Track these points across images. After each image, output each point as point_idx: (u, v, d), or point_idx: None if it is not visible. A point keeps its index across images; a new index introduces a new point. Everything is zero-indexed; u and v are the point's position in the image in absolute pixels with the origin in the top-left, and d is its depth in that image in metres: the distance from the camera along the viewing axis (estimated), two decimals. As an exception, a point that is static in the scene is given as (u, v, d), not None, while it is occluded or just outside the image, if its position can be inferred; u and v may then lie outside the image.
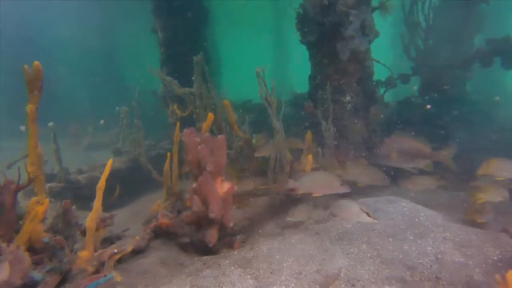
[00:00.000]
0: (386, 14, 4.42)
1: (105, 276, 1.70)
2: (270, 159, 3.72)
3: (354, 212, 2.61)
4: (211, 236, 2.67)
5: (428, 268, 2.30)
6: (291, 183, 3.04)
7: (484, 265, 2.23)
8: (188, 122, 4.83)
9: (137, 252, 2.57)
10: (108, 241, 2.66)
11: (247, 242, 2.98)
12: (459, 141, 5.15)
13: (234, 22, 22.68)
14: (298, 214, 3.04)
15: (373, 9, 4.62)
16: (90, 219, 2.21)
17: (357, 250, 2.63)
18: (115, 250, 2.28)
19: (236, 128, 4.50)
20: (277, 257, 2.63)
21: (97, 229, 2.35)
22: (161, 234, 2.92)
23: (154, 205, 3.24)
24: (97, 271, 2.08)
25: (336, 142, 4.55)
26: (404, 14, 5.67)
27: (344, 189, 2.89)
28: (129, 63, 16.16)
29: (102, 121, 8.72)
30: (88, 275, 1.93)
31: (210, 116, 3.71)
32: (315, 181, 3.03)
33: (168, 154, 3.49)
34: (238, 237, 3.02)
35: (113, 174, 4.93)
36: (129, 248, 2.43)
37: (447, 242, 2.49)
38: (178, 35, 6.19)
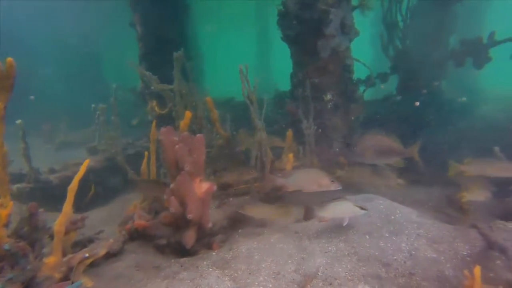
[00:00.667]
0: (365, 11, 4.46)
1: (72, 283, 1.61)
2: (251, 158, 3.69)
3: (347, 210, 2.65)
4: (189, 237, 2.61)
5: (402, 264, 2.35)
6: (280, 181, 3.00)
7: (454, 260, 2.30)
8: (168, 120, 4.72)
9: (111, 255, 2.48)
10: (79, 244, 2.55)
11: (226, 243, 2.94)
12: (434, 139, 5.35)
13: (217, 18, 22.43)
14: (249, 209, 2.98)
15: (353, 8, 4.66)
16: (58, 222, 2.11)
17: (335, 248, 2.65)
18: (86, 255, 2.18)
19: (218, 126, 4.44)
20: (256, 257, 2.61)
21: (67, 232, 2.24)
22: (137, 236, 2.83)
23: (131, 206, 3.14)
24: (66, 278, 1.98)
25: (316, 141, 4.58)
26: (383, 14, 5.77)
27: (335, 187, 2.89)
28: (108, 58, 15.62)
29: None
30: (54, 282, 1.83)
31: (188, 114, 3.63)
32: (304, 179, 3.00)
33: (146, 153, 3.39)
34: (217, 237, 2.98)
35: (88, 174, 4.81)
36: (101, 251, 2.33)
37: (421, 239, 2.55)
38: (157, 29, 6.02)
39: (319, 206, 2.73)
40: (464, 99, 6.45)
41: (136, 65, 4.48)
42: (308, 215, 2.98)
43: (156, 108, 6.14)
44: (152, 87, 4.32)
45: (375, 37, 7.35)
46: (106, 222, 3.48)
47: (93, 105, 5.14)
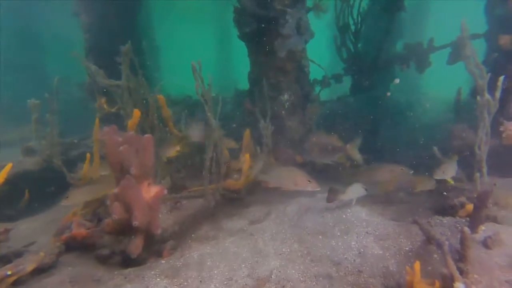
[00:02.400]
0: (320, 13, 4.56)
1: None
2: (205, 159, 3.55)
3: (359, 191, 3.06)
4: (135, 246, 2.42)
5: (352, 262, 2.41)
6: (261, 176, 3.14)
7: (398, 256, 2.41)
8: (121, 118, 4.39)
9: (41, 270, 2.20)
10: (3, 260, 2.23)
11: (178, 249, 2.80)
12: (380, 136, 5.69)
13: (176, 15, 21.69)
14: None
15: (308, 10, 4.73)
16: (-28, 238, 1.80)
17: (289, 250, 2.64)
18: (8, 272, 1.90)
19: (171, 125, 4.22)
20: (209, 263, 2.51)
21: (-15, 248, 1.93)
22: (76, 246, 2.56)
23: (69, 213, 2.84)
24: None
25: (274, 140, 4.57)
26: (336, 17, 5.97)
27: (312, 187, 3.03)
28: (53, 50, 14.20)
29: None
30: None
31: (137, 113, 3.39)
32: (285, 177, 3.13)
33: (87, 154, 3.09)
34: (168, 244, 2.81)
35: (21, 178, 4.28)
36: (29, 267, 2.05)
37: (369, 236, 2.64)
38: (104, 20, 5.55)
39: (340, 190, 3.09)
40: (388, 94, 6.76)
41: (81, 57, 4.07)
42: (331, 198, 3.12)
43: (105, 106, 5.70)
44: (98, 83, 3.97)
45: (331, 39, 7.62)
46: (41, 232, 3.11)
47: (29, 100, 4.60)
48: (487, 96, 2.89)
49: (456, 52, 4.88)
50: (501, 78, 2.82)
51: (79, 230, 2.54)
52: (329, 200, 3.12)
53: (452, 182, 3.10)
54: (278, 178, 3.19)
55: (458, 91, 4.06)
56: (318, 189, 3.07)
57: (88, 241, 2.58)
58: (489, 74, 2.93)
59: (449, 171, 3.04)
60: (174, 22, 23.20)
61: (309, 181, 3.05)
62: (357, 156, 3.55)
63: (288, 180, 3.13)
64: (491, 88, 2.88)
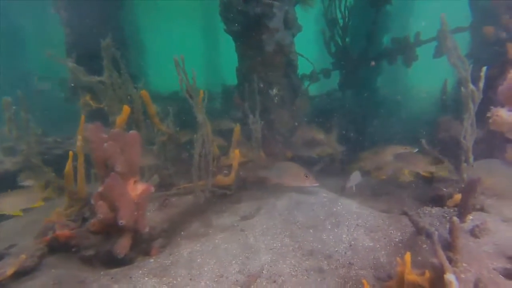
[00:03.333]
0: (306, 7, 4.52)
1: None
2: (194, 155, 3.48)
3: (359, 178, 3.33)
4: (122, 246, 2.35)
5: (343, 255, 2.41)
6: (263, 172, 3.26)
7: (388, 247, 2.42)
8: (106, 116, 4.27)
9: (23, 273, 2.11)
10: (-18, 265, 2.12)
11: (167, 247, 2.73)
12: (368, 129, 5.74)
13: (163, 10, 21.26)
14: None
15: (295, 3, 4.68)
16: None
17: (280, 244, 2.62)
18: (-13, 278, 1.81)
19: (157, 121, 4.12)
20: (199, 260, 2.46)
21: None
22: (60, 248, 2.47)
23: (53, 214, 2.74)
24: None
25: (263, 135, 4.54)
26: (324, 11, 5.94)
27: (310, 183, 3.14)
28: (34, 45, 13.69)
29: None
30: None
31: (126, 109, 3.29)
32: (285, 173, 3.24)
33: (70, 153, 2.98)
34: (156, 242, 2.75)
35: (2, 178, 4.13)
36: (9, 270, 1.96)
37: (360, 229, 2.64)
38: (85, 15, 5.35)
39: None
40: (399, 97, 7.02)
41: (58, 56, 3.91)
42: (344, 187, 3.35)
43: (91, 102, 5.54)
44: (79, 80, 3.83)
45: (319, 34, 7.60)
46: (25, 233, 2.99)
47: (4, 98, 4.39)
48: (471, 86, 2.92)
49: (442, 46, 4.93)
50: (484, 68, 2.85)
51: (62, 231, 2.45)
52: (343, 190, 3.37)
53: (446, 174, 3.13)
54: (278, 174, 3.31)
55: (444, 83, 4.10)
56: (316, 184, 3.15)
57: (72, 242, 2.49)
58: (471, 66, 2.97)
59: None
60: (160, 18, 22.76)
61: (306, 176, 3.13)
62: (335, 148, 3.68)
63: (288, 175, 3.24)
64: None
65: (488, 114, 2.62)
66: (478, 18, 4.20)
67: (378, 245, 2.45)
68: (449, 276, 1.47)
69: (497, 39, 3.66)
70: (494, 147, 3.41)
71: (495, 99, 2.92)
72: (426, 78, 12.86)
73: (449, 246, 1.95)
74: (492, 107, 2.64)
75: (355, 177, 3.33)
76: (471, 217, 2.41)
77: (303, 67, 5.55)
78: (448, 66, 3.19)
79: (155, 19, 21.03)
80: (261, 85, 4.75)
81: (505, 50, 3.46)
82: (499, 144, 3.32)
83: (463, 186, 2.82)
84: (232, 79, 6.01)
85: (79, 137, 3.06)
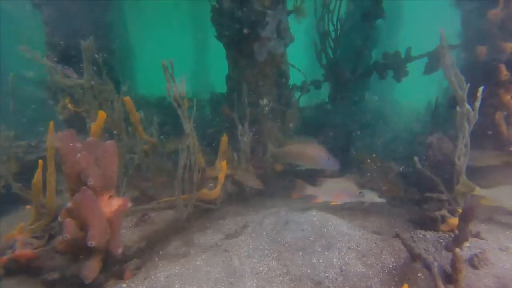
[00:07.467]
0: (300, 17, 4.44)
1: None
2: (178, 167, 3.27)
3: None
4: (90, 269, 2.10)
5: (334, 281, 2.24)
6: (310, 190, 2.98)
7: (381, 274, 2.27)
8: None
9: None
10: None
11: (142, 269, 2.50)
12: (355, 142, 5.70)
13: (152, 16, 21.03)
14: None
15: (288, 13, 4.60)
16: None
17: (266, 268, 2.43)
18: None
19: (140, 129, 3.90)
20: (176, 286, 2.24)
21: None
22: (19, 270, 2.19)
23: (14, 230, 2.46)
24: None
25: (252, 147, 4.38)
26: (316, 22, 5.90)
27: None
28: (10, 44, 13.07)
29: None
30: None
31: (101, 114, 3.06)
32: (333, 189, 3.01)
33: (40, 161, 2.71)
34: (131, 263, 2.50)
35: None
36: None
37: (351, 252, 2.49)
38: (68, 13, 5.09)
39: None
40: (376, 97, 6.95)
41: (31, 52, 3.64)
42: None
43: (70, 106, 5.24)
44: (56, 82, 3.57)
45: (309, 45, 7.56)
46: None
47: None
48: (467, 106, 2.86)
49: (433, 62, 4.94)
50: (481, 88, 2.79)
51: (23, 251, 2.18)
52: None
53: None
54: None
55: (436, 100, 4.06)
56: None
57: (35, 264, 2.22)
58: (468, 85, 2.91)
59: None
60: (150, 23, 22.52)
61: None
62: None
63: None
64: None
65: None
66: (470, 37, 4.22)
67: (371, 272, 2.29)
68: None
69: (489, 59, 3.66)
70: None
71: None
72: (408, 93, 13.08)
73: (448, 278, 1.82)
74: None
75: (370, 196, 3.11)
76: (467, 244, 2.30)
77: (294, 78, 5.45)
78: (429, 82, 3.15)
79: (145, 23, 20.76)
80: (252, 95, 4.60)
81: (497, 71, 3.45)
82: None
83: (459, 210, 2.73)
84: (221, 86, 5.85)
85: (48, 145, 2.79)
